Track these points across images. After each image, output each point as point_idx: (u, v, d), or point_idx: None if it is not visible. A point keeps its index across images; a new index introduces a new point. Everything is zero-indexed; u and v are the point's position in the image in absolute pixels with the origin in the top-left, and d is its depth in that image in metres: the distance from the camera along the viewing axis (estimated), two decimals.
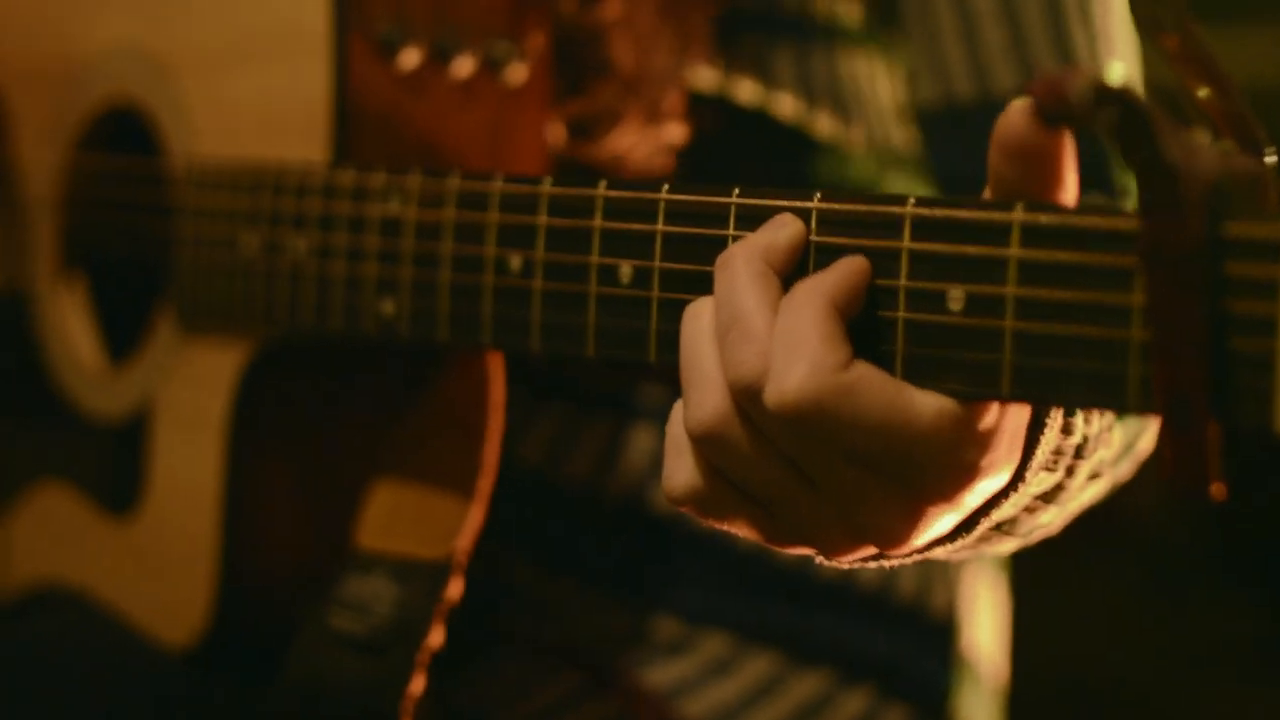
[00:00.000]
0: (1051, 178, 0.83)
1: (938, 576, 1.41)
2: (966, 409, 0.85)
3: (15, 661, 1.40)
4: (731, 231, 0.93)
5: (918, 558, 0.95)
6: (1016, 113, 0.82)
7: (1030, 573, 1.51)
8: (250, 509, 1.29)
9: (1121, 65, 1.28)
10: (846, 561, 0.93)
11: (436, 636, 1.16)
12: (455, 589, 1.17)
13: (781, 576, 1.39)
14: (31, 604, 1.51)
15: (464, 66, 1.23)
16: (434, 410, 1.21)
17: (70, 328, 1.48)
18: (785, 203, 0.91)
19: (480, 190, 1.08)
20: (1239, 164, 0.76)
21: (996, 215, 0.82)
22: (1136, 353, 0.77)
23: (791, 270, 0.89)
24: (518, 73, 1.24)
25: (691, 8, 1.27)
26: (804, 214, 0.90)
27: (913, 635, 1.41)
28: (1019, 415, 0.89)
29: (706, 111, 1.30)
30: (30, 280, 1.53)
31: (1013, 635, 1.51)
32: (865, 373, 0.85)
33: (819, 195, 0.90)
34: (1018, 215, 0.82)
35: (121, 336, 1.47)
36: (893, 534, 0.89)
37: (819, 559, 0.94)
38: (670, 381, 0.94)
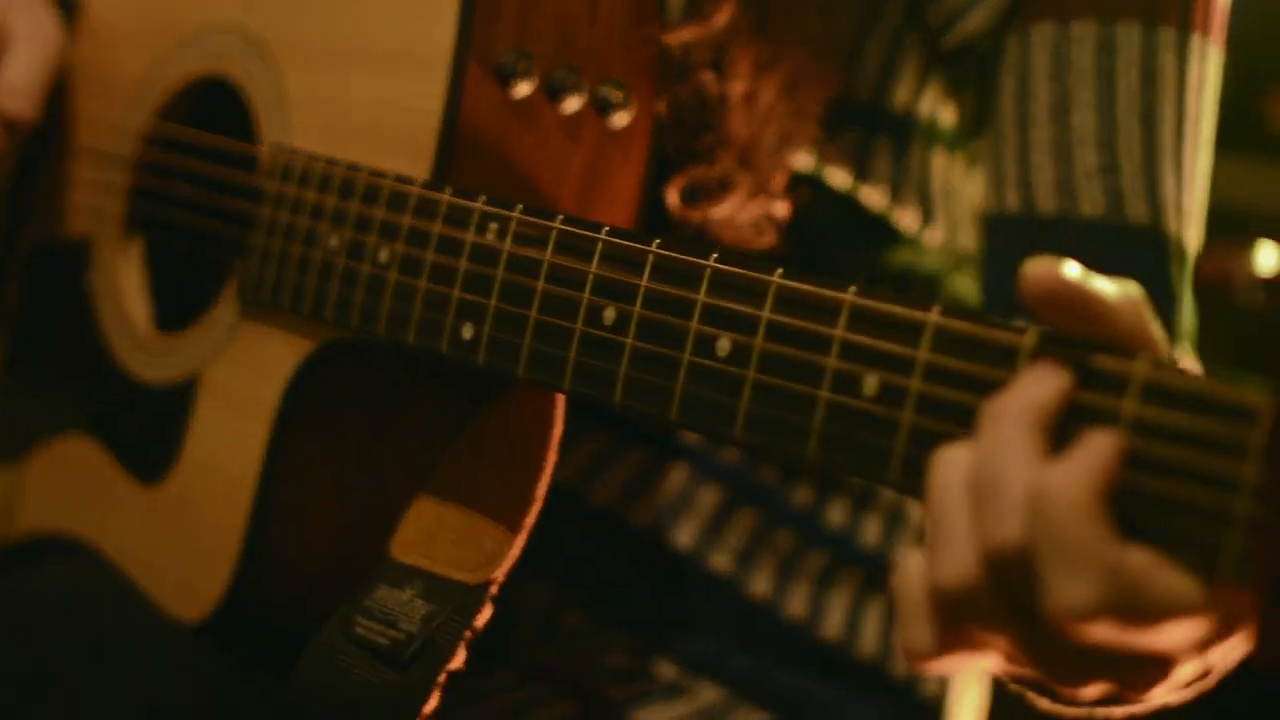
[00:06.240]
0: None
1: None
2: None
3: (20, 602, 1.40)
4: (839, 331, 0.94)
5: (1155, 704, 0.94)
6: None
7: None
8: (284, 500, 1.29)
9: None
10: (1083, 697, 0.90)
11: (458, 659, 1.17)
12: (484, 616, 1.18)
13: (785, 635, 1.40)
14: (41, 549, 1.50)
15: (572, 104, 1.24)
16: (492, 437, 1.21)
17: (125, 288, 1.48)
18: (902, 311, 0.92)
19: (585, 237, 1.09)
20: None
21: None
22: (1241, 525, 0.79)
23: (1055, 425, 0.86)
24: (622, 118, 1.25)
25: (807, 92, 1.28)
26: (939, 331, 0.91)
27: (903, 713, 1.43)
28: None
29: (800, 190, 1.31)
30: (92, 233, 1.52)
31: None
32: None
33: (938, 309, 0.91)
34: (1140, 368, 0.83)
35: (173, 307, 1.47)
36: (1142, 686, 0.87)
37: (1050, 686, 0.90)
38: (751, 453, 0.93)
